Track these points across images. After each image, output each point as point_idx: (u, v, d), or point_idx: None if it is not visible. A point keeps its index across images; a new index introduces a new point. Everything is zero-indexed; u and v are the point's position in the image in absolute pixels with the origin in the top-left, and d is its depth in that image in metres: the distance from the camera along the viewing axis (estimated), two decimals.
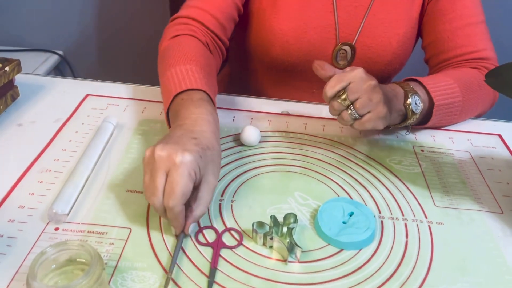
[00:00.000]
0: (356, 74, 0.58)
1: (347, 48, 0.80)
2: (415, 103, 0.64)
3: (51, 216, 0.49)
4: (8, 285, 0.43)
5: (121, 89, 0.76)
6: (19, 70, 0.68)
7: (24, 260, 0.46)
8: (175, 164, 0.46)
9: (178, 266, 0.47)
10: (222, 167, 0.61)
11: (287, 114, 0.75)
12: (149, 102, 0.74)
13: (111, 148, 0.63)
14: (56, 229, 0.49)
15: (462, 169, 0.65)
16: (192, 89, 0.58)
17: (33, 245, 0.47)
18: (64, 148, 0.62)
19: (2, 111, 0.67)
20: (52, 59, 1.59)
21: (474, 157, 0.68)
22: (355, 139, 0.69)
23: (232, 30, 0.79)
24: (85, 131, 0.65)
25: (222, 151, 0.64)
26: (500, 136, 0.73)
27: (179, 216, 0.47)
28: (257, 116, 0.73)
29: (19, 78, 0.74)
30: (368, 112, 0.59)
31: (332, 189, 0.59)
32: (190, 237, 0.50)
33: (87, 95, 0.74)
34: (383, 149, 0.68)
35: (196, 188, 0.49)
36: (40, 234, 0.48)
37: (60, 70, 1.67)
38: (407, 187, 0.60)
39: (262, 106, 0.76)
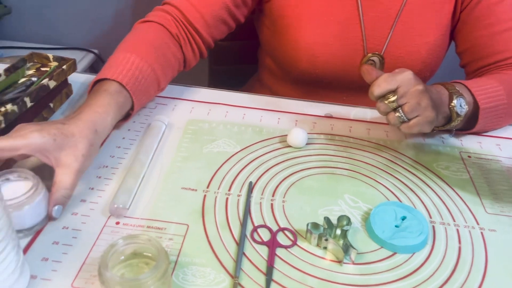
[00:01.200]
0: (405, 76, 0.59)
1: (375, 58, 0.80)
2: (460, 105, 0.64)
3: (113, 210, 0.51)
4: (76, 275, 0.45)
5: (169, 89, 0.78)
6: (74, 69, 0.70)
7: (90, 251, 0.47)
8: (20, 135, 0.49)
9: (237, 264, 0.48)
10: (270, 168, 0.62)
11: (331, 117, 0.75)
12: (197, 102, 0.75)
13: (163, 146, 0.64)
14: (117, 223, 0.51)
15: (511, 176, 0.64)
16: (108, 79, 0.61)
17: (97, 238, 0.49)
18: (119, 145, 0.63)
19: (58, 107, 0.70)
20: (88, 57, 1.63)
21: None
22: (400, 143, 0.70)
23: (221, 31, 0.79)
24: (136, 129, 0.67)
25: (270, 151, 0.65)
26: None
27: None
28: (302, 119, 0.74)
29: (70, 76, 0.76)
30: (416, 116, 0.59)
31: (381, 192, 0.60)
32: (246, 235, 0.51)
33: None
34: (429, 154, 0.68)
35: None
36: (103, 228, 0.50)
37: (95, 68, 1.71)
38: (457, 193, 0.60)
39: (305, 109, 0.77)
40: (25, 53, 0.72)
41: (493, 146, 0.71)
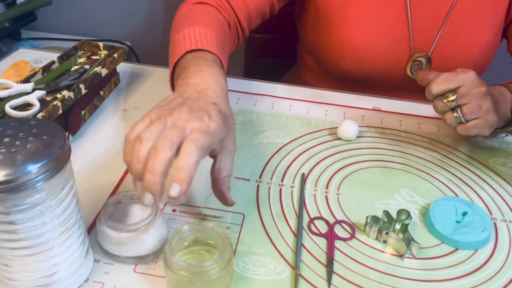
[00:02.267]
0: (468, 77, 0.56)
1: (422, 59, 0.78)
2: None
3: (168, 198, 0.51)
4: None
5: None
6: (124, 57, 0.71)
7: None
8: (197, 132, 0.41)
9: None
10: (322, 160, 0.61)
11: (379, 110, 0.74)
12: (242, 93, 0.75)
13: None
14: (174, 210, 0.51)
15: None
16: (206, 51, 0.54)
17: None
18: None
19: (107, 96, 0.70)
20: None
21: None
22: (453, 138, 0.68)
23: (258, 23, 0.77)
24: None
25: (321, 143, 0.64)
26: None
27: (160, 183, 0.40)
28: (350, 112, 0.72)
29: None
30: (476, 118, 0.57)
31: (437, 187, 0.58)
32: (303, 227, 0.50)
33: None
34: (484, 150, 0.66)
35: (215, 157, 0.45)
36: None
37: (128, 60, 1.73)
38: None
39: (352, 101, 0.75)
40: (60, 44, 0.72)
41: None
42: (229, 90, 0.74)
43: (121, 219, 0.45)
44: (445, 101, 0.57)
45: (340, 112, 0.72)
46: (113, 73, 0.71)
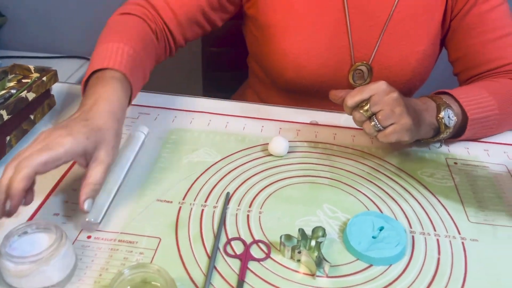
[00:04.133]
0: (379, 86, 0.58)
1: (363, 68, 0.79)
2: (448, 117, 0.63)
3: (84, 224, 0.51)
4: None
5: (152, 98, 0.77)
6: (55, 80, 0.70)
7: None
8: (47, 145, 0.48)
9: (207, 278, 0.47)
10: (250, 177, 0.61)
11: (316, 124, 0.74)
12: (180, 111, 0.75)
13: (141, 157, 0.64)
14: (89, 237, 0.51)
15: (498, 183, 0.63)
16: (110, 69, 0.59)
17: None
18: None
19: (39, 119, 0.70)
20: (87, 65, 1.64)
21: (510, 170, 0.65)
22: (385, 151, 0.68)
23: (195, 33, 0.78)
24: None
25: (251, 160, 0.64)
26: None
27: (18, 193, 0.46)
28: (286, 126, 0.73)
29: (55, 87, 0.76)
30: (392, 124, 0.58)
31: (361, 202, 0.58)
32: (218, 248, 0.50)
33: None
34: (414, 161, 0.66)
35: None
36: (74, 241, 0.50)
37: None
38: (439, 201, 0.59)
39: (290, 116, 0.76)
40: (22, 62, 0.72)
41: (481, 152, 0.69)
42: (166, 108, 0.75)
43: (26, 250, 0.44)
44: (361, 111, 0.58)
45: (277, 127, 0.73)
46: (46, 95, 0.71)
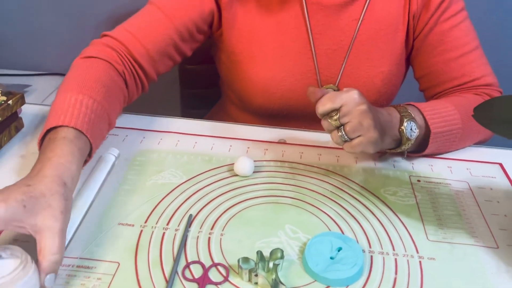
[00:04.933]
0: (350, 96, 0.59)
1: (330, 90, 0.80)
2: (411, 129, 0.64)
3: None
4: None
5: (121, 118, 0.78)
6: (22, 103, 0.70)
7: None
8: None
9: None
10: (214, 199, 0.61)
11: (284, 143, 0.75)
12: (148, 131, 0.75)
13: (108, 179, 0.64)
14: None
15: (459, 200, 0.64)
16: (64, 126, 0.56)
17: None
18: None
19: (6, 142, 0.70)
20: None
21: (472, 187, 0.66)
22: (350, 169, 0.69)
23: (167, 66, 0.77)
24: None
25: (216, 181, 0.65)
26: (501, 165, 0.72)
27: None
28: (254, 145, 0.73)
29: (25, 109, 0.76)
30: (359, 136, 0.59)
31: (323, 222, 0.59)
32: (177, 272, 0.50)
33: None
34: (378, 179, 0.67)
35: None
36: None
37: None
38: (400, 220, 0.60)
39: (259, 134, 0.76)
40: (6, 81, 0.71)
41: (444, 169, 0.70)
42: (133, 129, 0.75)
43: None
44: (329, 120, 0.59)
45: (244, 146, 0.73)
46: (13, 118, 0.71)
